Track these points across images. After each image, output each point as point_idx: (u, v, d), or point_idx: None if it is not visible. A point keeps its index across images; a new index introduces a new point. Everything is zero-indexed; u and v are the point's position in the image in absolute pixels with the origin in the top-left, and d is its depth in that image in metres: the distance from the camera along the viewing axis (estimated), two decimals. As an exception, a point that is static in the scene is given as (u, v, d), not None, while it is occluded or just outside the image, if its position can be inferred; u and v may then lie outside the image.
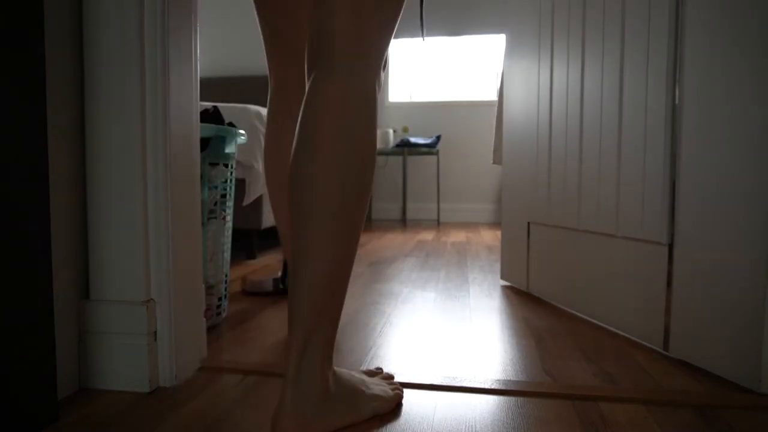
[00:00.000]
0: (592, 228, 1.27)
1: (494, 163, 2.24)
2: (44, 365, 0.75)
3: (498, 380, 0.93)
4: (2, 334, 0.68)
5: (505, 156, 1.72)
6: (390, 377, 0.89)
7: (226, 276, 1.31)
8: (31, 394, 0.72)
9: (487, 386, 0.90)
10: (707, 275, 0.96)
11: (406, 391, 0.89)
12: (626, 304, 1.17)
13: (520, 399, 0.86)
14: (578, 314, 1.37)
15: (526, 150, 1.57)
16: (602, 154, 1.23)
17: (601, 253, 1.25)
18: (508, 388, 0.89)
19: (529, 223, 1.57)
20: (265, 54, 1.39)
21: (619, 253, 1.19)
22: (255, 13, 1.21)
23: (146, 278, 0.88)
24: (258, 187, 2.15)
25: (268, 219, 2.30)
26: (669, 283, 1.05)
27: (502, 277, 1.75)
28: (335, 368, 0.75)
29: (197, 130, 0.97)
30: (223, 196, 1.28)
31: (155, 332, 0.89)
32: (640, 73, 1.10)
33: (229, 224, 1.32)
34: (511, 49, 1.68)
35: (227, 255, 1.32)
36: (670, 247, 1.05)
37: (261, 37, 1.44)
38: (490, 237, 3.15)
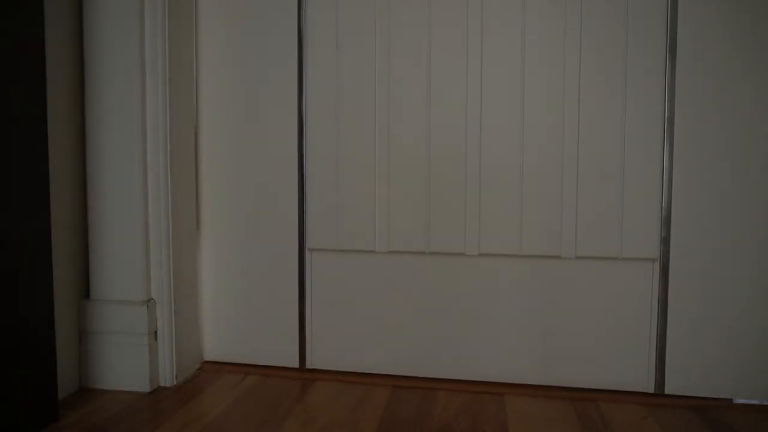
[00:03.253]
0: (509, 251, 0.91)
1: None
2: (44, 365, 0.74)
3: (499, 380, 0.93)
4: (2, 334, 0.68)
5: (208, 137, 1.00)
6: None
7: (226, 276, 1.30)
8: (31, 394, 0.72)
9: (489, 387, 0.90)
10: (709, 294, 0.86)
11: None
12: (588, 344, 0.90)
13: (520, 398, 0.86)
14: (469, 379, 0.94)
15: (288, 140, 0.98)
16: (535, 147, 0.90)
17: (531, 284, 0.92)
18: (510, 387, 0.89)
19: (305, 251, 0.97)
20: None
21: (566, 281, 0.91)
22: None
23: (146, 278, 0.88)
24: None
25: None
26: (663, 307, 0.87)
27: (208, 353, 1.01)
28: None
29: (198, 130, 0.97)
30: (223, 196, 1.27)
31: (155, 332, 0.88)
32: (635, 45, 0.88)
33: (229, 224, 1.32)
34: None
35: (227, 255, 1.32)
36: (663, 264, 0.87)
37: None
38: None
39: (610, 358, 0.90)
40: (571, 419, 0.79)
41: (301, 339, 0.98)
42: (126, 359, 0.87)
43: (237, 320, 1.00)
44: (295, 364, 0.98)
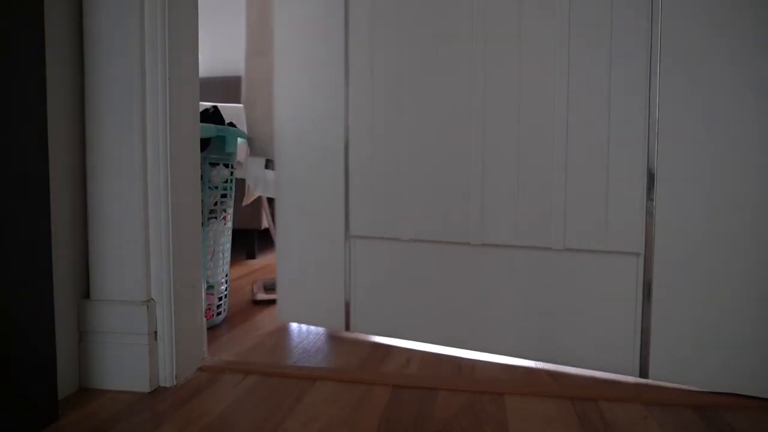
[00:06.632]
0: (510, 242, 1.01)
1: (253, 155, 1.55)
2: (44, 365, 0.74)
3: (498, 379, 0.93)
4: (2, 334, 0.68)
5: (285, 144, 1.23)
6: None
7: (226, 276, 1.31)
8: (31, 394, 0.72)
9: (487, 386, 0.90)
10: (695, 285, 0.88)
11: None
12: (576, 331, 0.97)
13: (520, 398, 0.86)
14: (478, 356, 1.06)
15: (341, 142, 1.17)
16: (525, 145, 1.00)
17: (531, 272, 1.01)
18: (510, 387, 0.89)
19: (349, 238, 1.17)
20: None
21: (560, 271, 0.98)
22: None
23: (146, 278, 0.88)
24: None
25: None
26: (647, 298, 0.91)
27: (282, 316, 1.25)
28: None
29: (198, 130, 0.97)
30: (224, 196, 1.28)
31: (155, 332, 0.88)
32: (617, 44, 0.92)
33: (230, 224, 1.32)
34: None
35: (227, 255, 1.32)
36: (647, 257, 0.91)
37: None
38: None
39: (598, 343, 0.96)
40: (571, 419, 0.79)
41: (346, 309, 1.19)
42: (126, 359, 0.87)
43: (302, 292, 1.23)
44: (342, 328, 1.19)
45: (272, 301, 1.49)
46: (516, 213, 1.01)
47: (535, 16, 0.98)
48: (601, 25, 0.93)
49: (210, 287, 1.23)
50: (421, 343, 1.13)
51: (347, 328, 1.19)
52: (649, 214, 0.91)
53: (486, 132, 1.03)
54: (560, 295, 0.99)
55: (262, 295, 1.49)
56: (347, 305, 1.19)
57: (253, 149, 1.54)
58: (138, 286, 0.88)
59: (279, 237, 1.25)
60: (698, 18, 0.87)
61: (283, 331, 1.22)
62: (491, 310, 1.05)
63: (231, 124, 1.34)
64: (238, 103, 2.77)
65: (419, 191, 1.10)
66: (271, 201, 1.60)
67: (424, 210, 1.09)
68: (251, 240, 2.29)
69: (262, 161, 1.58)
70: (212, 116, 1.33)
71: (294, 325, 1.27)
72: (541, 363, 1.02)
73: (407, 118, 1.10)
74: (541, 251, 0.99)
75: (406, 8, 1.08)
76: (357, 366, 1.00)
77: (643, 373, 0.92)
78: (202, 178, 1.18)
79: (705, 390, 0.88)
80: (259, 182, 1.60)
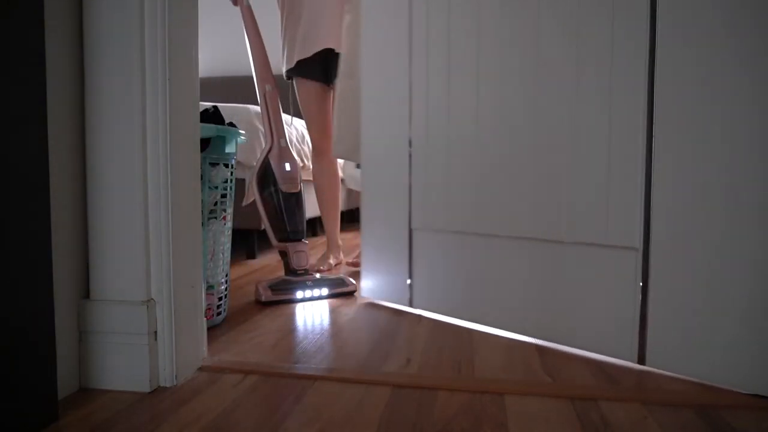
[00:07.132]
0: (528, 234, 1.14)
1: (335, 155, 1.90)
2: (44, 365, 0.74)
3: (498, 379, 0.93)
4: (2, 334, 0.68)
5: (368, 152, 1.52)
6: None
7: (226, 276, 1.31)
8: (31, 394, 0.72)
9: (487, 386, 0.90)
10: (691, 279, 0.90)
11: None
12: (580, 317, 1.07)
13: (520, 398, 0.86)
14: (505, 334, 1.20)
15: (404, 146, 1.40)
16: (540, 151, 1.12)
17: (543, 261, 1.13)
18: (510, 387, 0.89)
19: (411, 230, 1.40)
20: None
21: (567, 262, 1.09)
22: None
23: (146, 278, 0.88)
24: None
25: (268, 219, 2.29)
26: (644, 292, 0.96)
27: (365, 294, 1.55)
28: None
29: (198, 130, 0.97)
30: (224, 196, 1.28)
31: (155, 332, 0.88)
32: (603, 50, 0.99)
33: (230, 224, 1.32)
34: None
35: (227, 255, 1.32)
36: (645, 252, 0.96)
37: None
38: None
39: (600, 329, 1.04)
40: (571, 419, 0.78)
41: (410, 289, 1.42)
42: (126, 359, 0.87)
43: (379, 274, 1.50)
44: (407, 305, 1.43)
45: (279, 302, 1.49)
46: (535, 210, 1.13)
47: (553, 44, 1.08)
48: (603, 43, 1.00)
49: (210, 287, 1.23)
50: (457, 320, 1.30)
51: (410, 305, 1.41)
52: (646, 211, 0.96)
53: (501, 142, 1.18)
54: (568, 282, 1.09)
55: (269, 296, 1.49)
56: (410, 286, 1.41)
57: (339, 152, 1.85)
58: (138, 286, 0.88)
59: (363, 229, 1.53)
60: (688, 33, 0.89)
61: (284, 331, 1.22)
62: (511, 292, 1.19)
63: (231, 124, 1.34)
64: (238, 103, 2.77)
65: (460, 194, 1.28)
66: (267, 203, 1.62)
67: (464, 208, 1.27)
68: (251, 240, 2.28)
69: (353, 164, 1.96)
70: (212, 116, 1.33)
71: (297, 325, 1.27)
72: (546, 342, 1.13)
73: (447, 141, 1.31)
74: (554, 244, 1.11)
75: (453, 48, 1.27)
76: (357, 366, 1.00)
77: (641, 360, 0.98)
78: (202, 178, 1.18)
79: (698, 381, 0.90)
80: (353, 180, 2.05)
